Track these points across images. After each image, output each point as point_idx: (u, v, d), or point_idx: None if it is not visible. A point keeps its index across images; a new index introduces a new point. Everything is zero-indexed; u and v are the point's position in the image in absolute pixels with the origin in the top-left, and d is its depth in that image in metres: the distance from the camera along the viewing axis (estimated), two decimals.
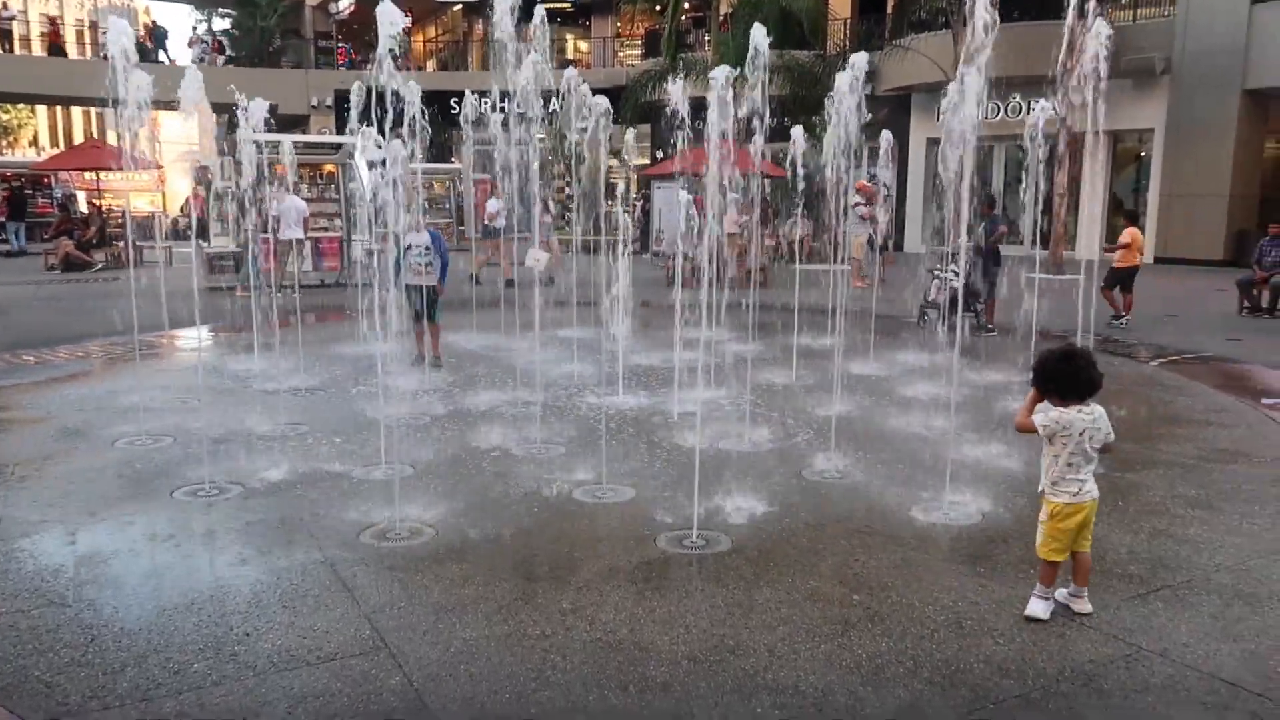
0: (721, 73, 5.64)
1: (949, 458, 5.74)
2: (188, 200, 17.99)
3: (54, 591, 4.41)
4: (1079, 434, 4.06)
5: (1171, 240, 22.13)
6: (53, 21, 35.31)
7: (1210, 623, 4.16)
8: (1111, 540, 5.11)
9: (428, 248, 9.32)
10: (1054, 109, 8.22)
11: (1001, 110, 22.21)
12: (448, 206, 27.23)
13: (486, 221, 17.29)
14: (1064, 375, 4.09)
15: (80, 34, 36.52)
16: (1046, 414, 4.09)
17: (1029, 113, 8.01)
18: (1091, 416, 4.07)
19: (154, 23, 36.02)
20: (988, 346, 10.42)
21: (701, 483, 5.33)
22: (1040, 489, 4.23)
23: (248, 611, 4.19)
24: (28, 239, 25.23)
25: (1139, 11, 23.21)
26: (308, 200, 16.73)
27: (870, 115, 8.13)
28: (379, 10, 5.36)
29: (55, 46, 31.86)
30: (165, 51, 34.00)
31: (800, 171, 9.85)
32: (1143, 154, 23.60)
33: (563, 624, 4.08)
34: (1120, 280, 13.16)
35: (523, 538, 5.13)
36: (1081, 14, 7.38)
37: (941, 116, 7.71)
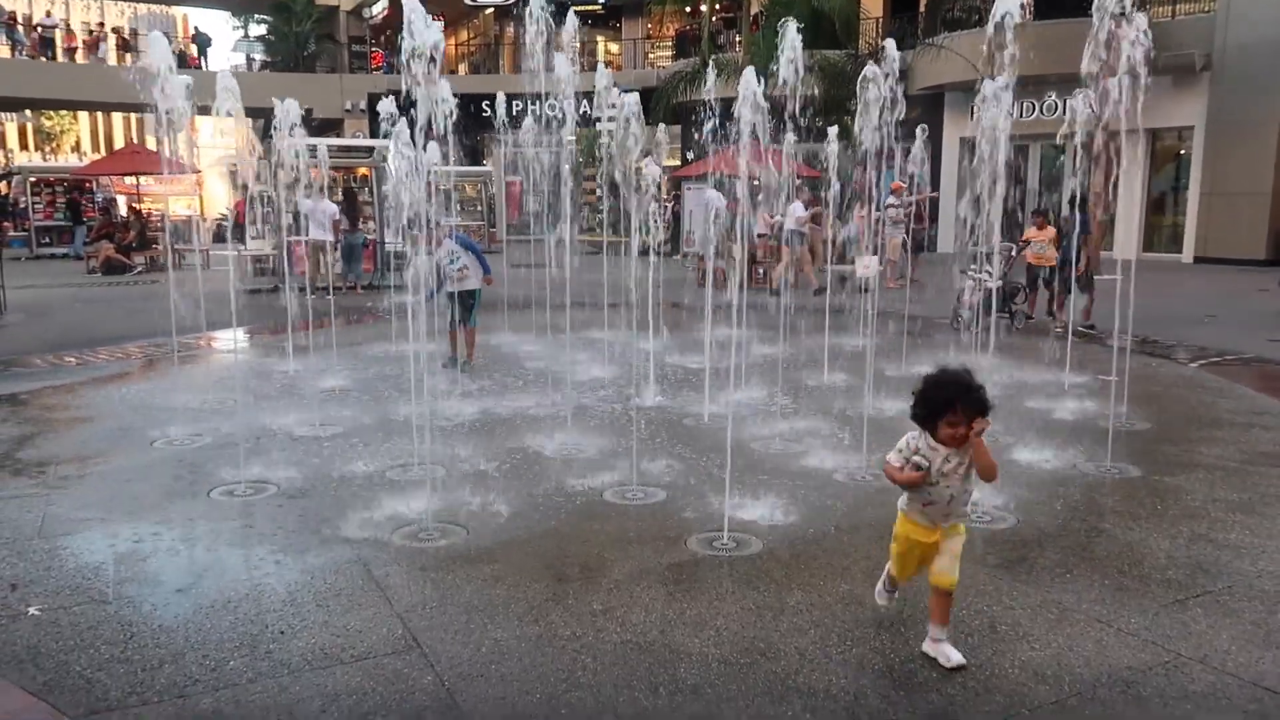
0: (750, 75, 5.62)
1: None
2: (238, 204, 18.22)
3: (94, 589, 4.49)
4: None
5: (1211, 239, 21.76)
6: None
7: (1252, 629, 4.08)
8: (1150, 545, 5.03)
9: (457, 254, 9.38)
10: (1091, 107, 8.10)
11: (1036, 109, 21.98)
12: (479, 208, 27.46)
13: (795, 226, 16.36)
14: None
15: (121, 40, 37.17)
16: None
17: (1064, 111, 7.91)
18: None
19: (196, 29, 36.63)
20: (1021, 346, 10.31)
21: (733, 484, 5.32)
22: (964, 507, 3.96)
23: (282, 610, 4.24)
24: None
25: (1178, 7, 22.85)
26: (339, 203, 16.90)
27: (904, 113, 8.06)
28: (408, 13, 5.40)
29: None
30: (205, 58, 34.63)
31: (835, 171, 9.79)
32: (1182, 152, 23.23)
33: (593, 625, 4.09)
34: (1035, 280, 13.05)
35: (553, 538, 5.15)
36: (1119, 11, 7.26)
37: (975, 114, 7.63)
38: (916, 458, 3.75)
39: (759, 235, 17.37)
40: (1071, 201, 12.27)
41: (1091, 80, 6.87)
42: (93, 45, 32.82)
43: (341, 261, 16.99)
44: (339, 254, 16.83)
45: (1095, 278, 12.22)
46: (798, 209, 16.51)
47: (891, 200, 17.00)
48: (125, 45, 35.45)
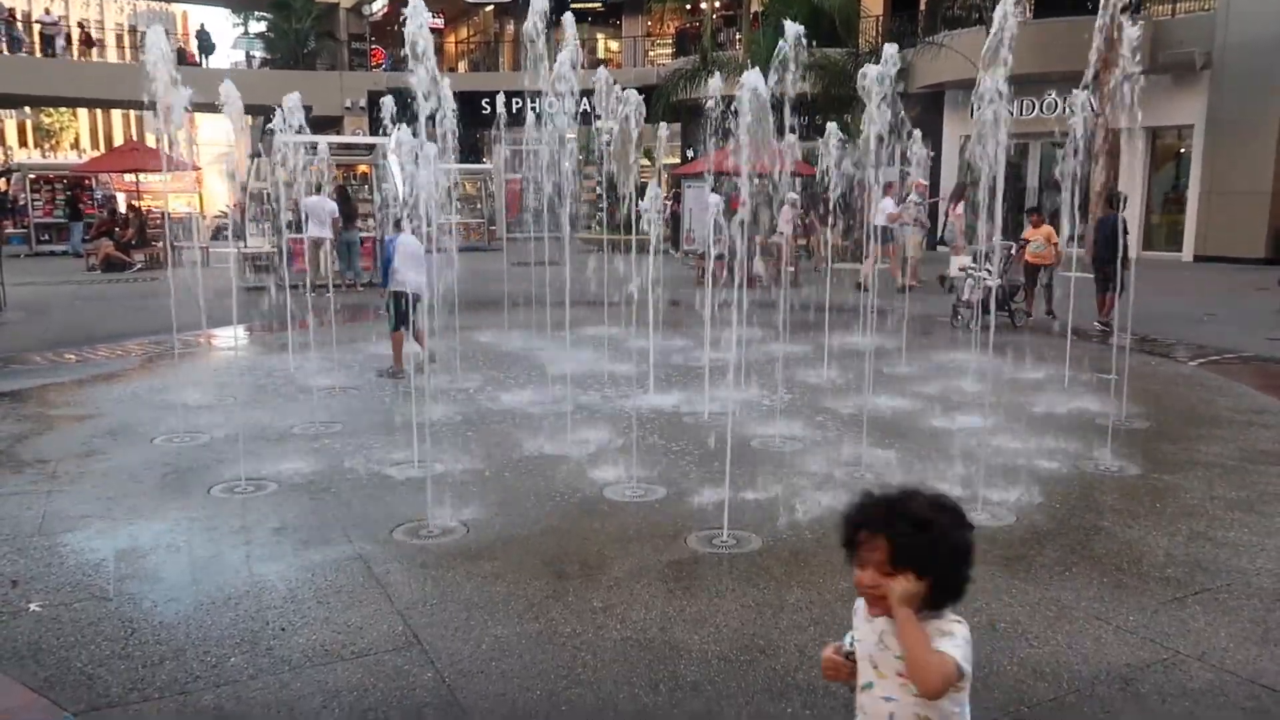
0: (753, 77, 5.61)
1: (983, 457, 5.69)
2: (239, 202, 18.18)
3: (95, 585, 4.50)
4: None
5: (1211, 238, 21.74)
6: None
7: (1250, 627, 4.08)
8: (1148, 543, 5.04)
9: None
10: (1091, 105, 8.11)
11: (1037, 107, 21.98)
12: (479, 206, 27.44)
13: (887, 222, 15.73)
14: (963, 549, 2.05)
15: (120, 37, 37.10)
16: (958, 634, 2.01)
17: (1065, 110, 7.92)
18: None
19: (202, 26, 36.47)
20: (1020, 346, 10.31)
21: (733, 481, 5.32)
22: None
23: (283, 607, 4.25)
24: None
25: (1178, 6, 22.83)
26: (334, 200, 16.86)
27: (903, 112, 8.07)
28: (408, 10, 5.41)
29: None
30: (207, 58, 34.58)
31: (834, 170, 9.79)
32: (1182, 150, 23.21)
33: (593, 622, 4.10)
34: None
35: (553, 536, 5.15)
36: (1121, 10, 7.31)
37: (974, 112, 7.64)
38: (850, 634, 2.20)
39: (780, 234, 17.36)
40: (1109, 200, 12.28)
41: (1092, 81, 6.90)
42: (49, 39, 32.39)
43: (339, 259, 16.97)
44: (336, 251, 16.81)
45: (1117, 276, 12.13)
46: (888, 205, 15.92)
47: (914, 198, 16.94)
48: (88, 40, 35.13)
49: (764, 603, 4.29)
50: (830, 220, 13.13)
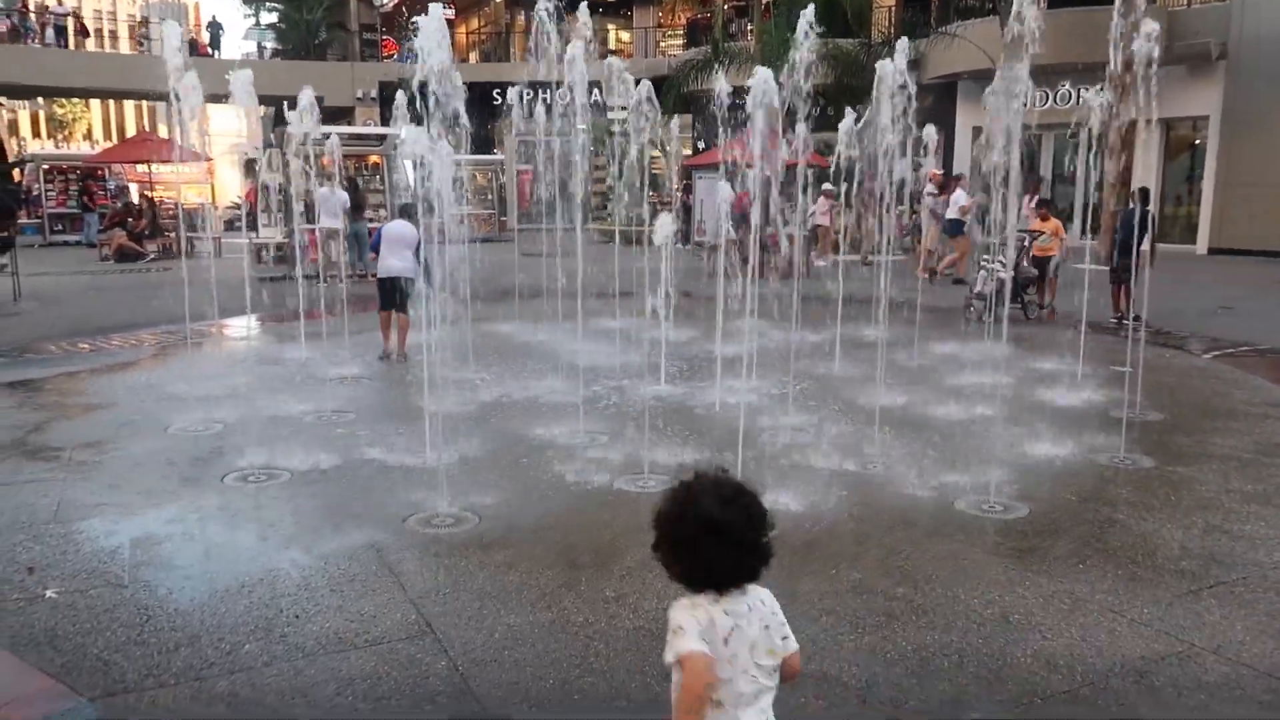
0: (763, 74, 5.59)
1: (996, 449, 5.67)
2: (251, 192, 18.21)
3: (111, 573, 4.52)
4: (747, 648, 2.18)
5: (1227, 230, 21.59)
6: None
7: (1267, 620, 4.06)
8: (1163, 535, 5.02)
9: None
10: (1104, 96, 8.05)
11: (1050, 98, 21.84)
12: (489, 197, 27.46)
13: (959, 215, 15.86)
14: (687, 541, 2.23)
15: (133, 29, 37.08)
16: (685, 617, 2.17)
17: (1078, 101, 7.87)
18: (748, 608, 2.25)
19: (214, 18, 36.48)
20: (1033, 338, 10.27)
21: (745, 473, 5.31)
22: None
23: (297, 595, 4.27)
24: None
25: None
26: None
27: (916, 103, 8.03)
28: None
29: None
30: (219, 48, 34.59)
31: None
32: (1197, 142, 23.03)
33: (606, 612, 4.10)
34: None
35: (566, 525, 5.16)
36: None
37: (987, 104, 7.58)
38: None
39: (818, 226, 17.35)
40: (1135, 195, 12.16)
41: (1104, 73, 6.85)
42: (59, 30, 32.26)
43: (348, 249, 16.98)
44: (346, 242, 16.84)
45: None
46: (960, 198, 15.97)
47: (930, 189, 16.83)
48: (83, 30, 35.04)
49: (776, 592, 4.25)
50: (873, 208, 12.91)
